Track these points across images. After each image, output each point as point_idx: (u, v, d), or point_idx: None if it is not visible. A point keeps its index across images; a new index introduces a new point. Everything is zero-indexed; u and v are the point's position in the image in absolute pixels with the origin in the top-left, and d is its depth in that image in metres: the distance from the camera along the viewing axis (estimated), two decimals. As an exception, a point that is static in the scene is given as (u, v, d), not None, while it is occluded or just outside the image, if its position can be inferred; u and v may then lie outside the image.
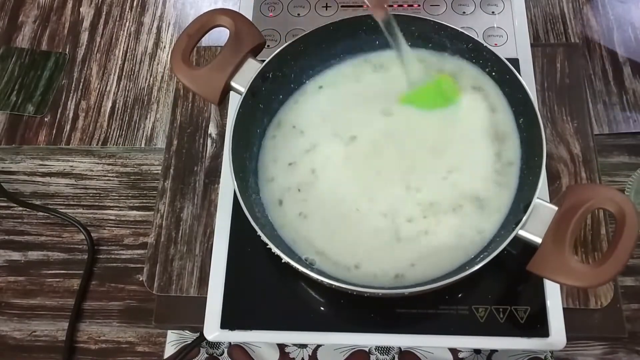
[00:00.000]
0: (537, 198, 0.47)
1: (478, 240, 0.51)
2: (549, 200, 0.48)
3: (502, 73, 0.55)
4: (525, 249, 0.47)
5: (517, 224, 0.47)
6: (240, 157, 0.53)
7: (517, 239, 0.47)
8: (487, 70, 0.57)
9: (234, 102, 0.58)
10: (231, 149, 0.51)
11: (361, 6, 0.68)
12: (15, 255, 0.78)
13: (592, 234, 0.58)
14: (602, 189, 0.47)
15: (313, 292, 0.56)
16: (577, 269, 0.44)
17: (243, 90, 0.54)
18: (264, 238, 0.47)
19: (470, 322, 0.53)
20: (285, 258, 0.47)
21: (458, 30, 0.55)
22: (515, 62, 0.62)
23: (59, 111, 0.84)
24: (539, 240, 0.46)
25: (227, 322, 0.54)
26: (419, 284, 0.49)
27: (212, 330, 0.54)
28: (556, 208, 0.47)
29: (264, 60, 0.55)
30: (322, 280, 0.46)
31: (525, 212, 0.47)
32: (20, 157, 0.82)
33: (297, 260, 0.48)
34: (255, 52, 0.55)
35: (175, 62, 0.53)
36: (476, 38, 0.55)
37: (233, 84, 0.54)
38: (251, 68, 0.55)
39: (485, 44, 0.55)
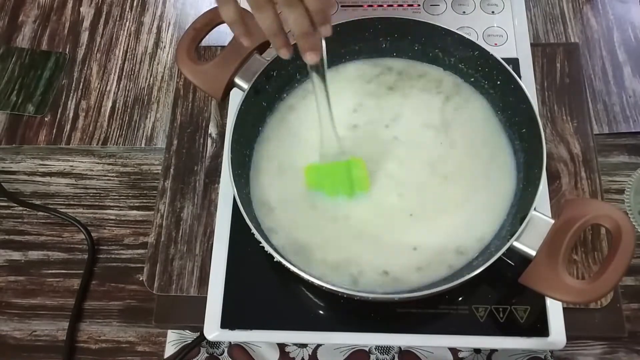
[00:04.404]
0: (535, 210, 0.47)
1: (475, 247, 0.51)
2: (550, 210, 0.47)
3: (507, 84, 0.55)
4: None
5: (512, 235, 0.47)
6: (240, 155, 0.53)
7: (513, 250, 0.47)
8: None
9: (235, 100, 0.58)
10: (230, 146, 0.51)
11: (361, 6, 0.68)
12: (16, 255, 0.78)
13: (592, 233, 0.58)
14: (599, 204, 0.47)
15: (313, 292, 0.55)
16: (569, 285, 0.44)
17: (246, 87, 0.54)
18: (257, 236, 0.47)
19: (470, 321, 0.53)
20: (278, 257, 0.47)
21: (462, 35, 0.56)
22: (515, 62, 0.62)
23: (59, 111, 0.84)
24: (533, 253, 0.46)
25: (227, 322, 0.54)
26: (406, 291, 0.48)
27: (212, 329, 0.54)
28: (552, 221, 0.47)
29: (269, 59, 0.55)
30: (312, 281, 0.46)
31: (521, 223, 0.46)
32: (20, 157, 0.82)
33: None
34: (261, 49, 0.55)
35: (180, 55, 0.53)
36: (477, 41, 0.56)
37: (237, 80, 0.54)
38: (256, 65, 0.55)
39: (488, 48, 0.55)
